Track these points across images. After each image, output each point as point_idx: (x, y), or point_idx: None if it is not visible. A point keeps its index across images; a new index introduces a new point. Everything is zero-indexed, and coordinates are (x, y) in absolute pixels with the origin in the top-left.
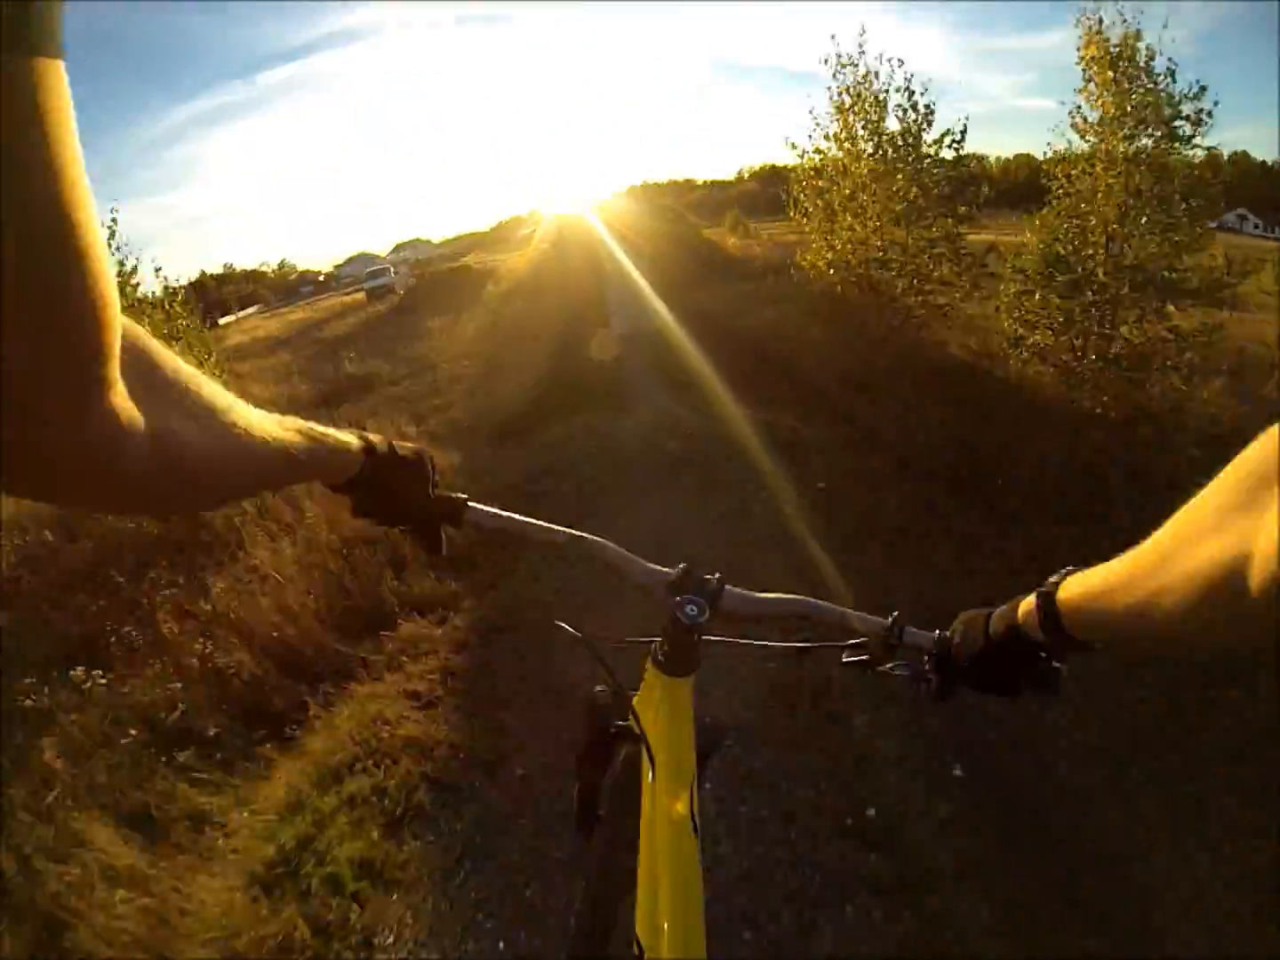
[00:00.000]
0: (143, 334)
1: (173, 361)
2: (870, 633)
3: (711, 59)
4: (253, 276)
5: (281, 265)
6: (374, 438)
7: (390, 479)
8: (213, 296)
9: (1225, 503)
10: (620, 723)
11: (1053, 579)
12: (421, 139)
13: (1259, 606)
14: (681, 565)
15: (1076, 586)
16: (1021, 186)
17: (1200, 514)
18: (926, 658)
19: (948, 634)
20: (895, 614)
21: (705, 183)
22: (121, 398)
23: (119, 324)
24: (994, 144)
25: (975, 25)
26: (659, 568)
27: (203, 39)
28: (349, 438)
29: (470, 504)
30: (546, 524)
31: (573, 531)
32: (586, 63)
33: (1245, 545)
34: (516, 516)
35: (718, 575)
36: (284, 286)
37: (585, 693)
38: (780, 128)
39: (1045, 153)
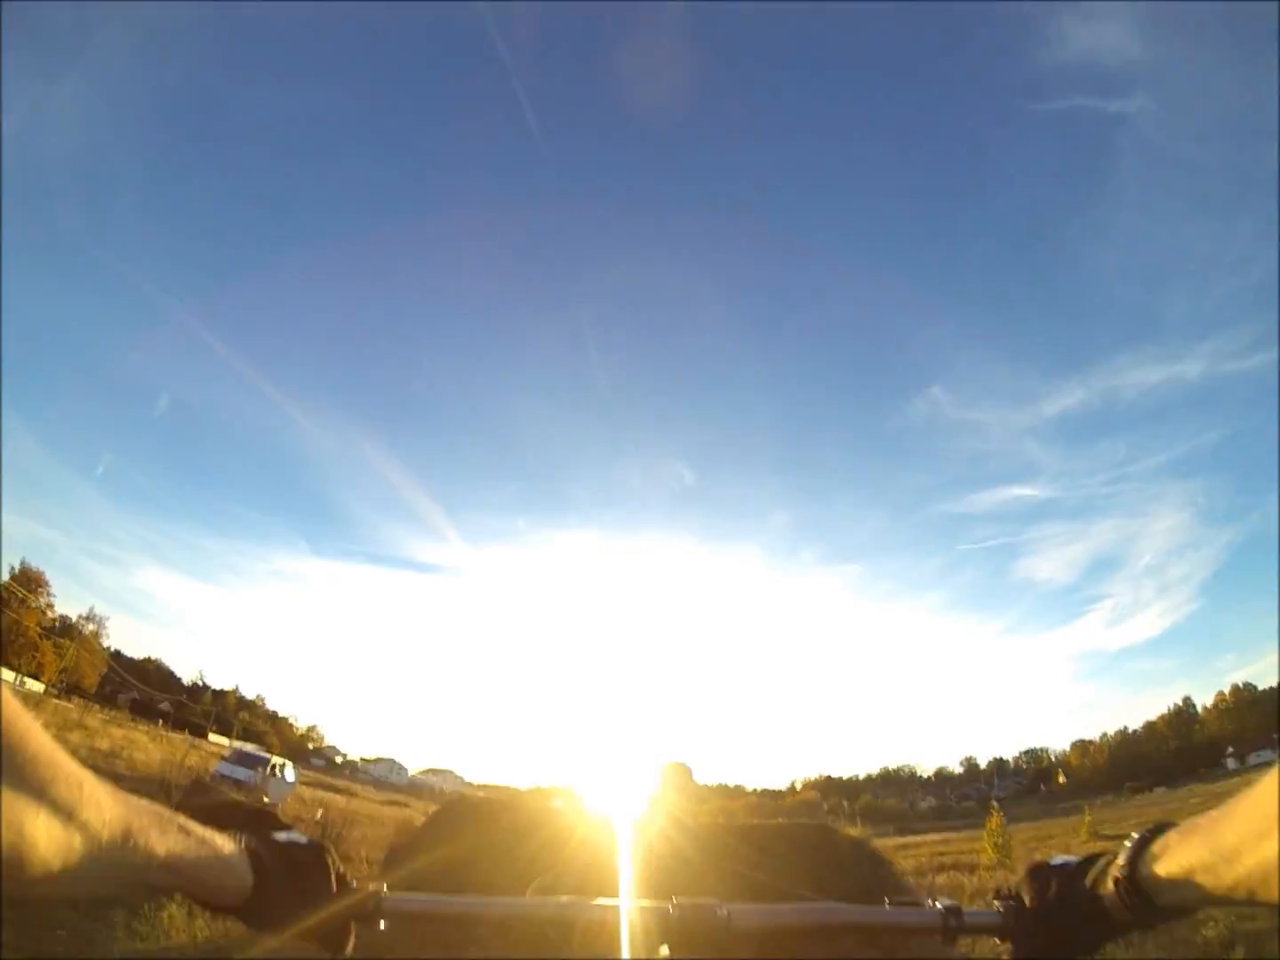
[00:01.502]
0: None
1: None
2: (920, 928)
3: (776, 667)
4: (277, 723)
5: (310, 729)
6: (262, 847)
7: (286, 887)
8: (229, 712)
9: None
10: None
11: (1128, 847)
12: (485, 682)
13: None
14: (673, 901)
15: (1172, 860)
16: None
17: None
18: (999, 940)
19: (1012, 903)
20: (946, 903)
21: (756, 790)
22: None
23: None
24: (1047, 737)
25: (1011, 629)
26: (650, 904)
27: (360, 520)
28: (235, 855)
29: (388, 894)
30: (503, 899)
31: (548, 899)
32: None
33: None
34: (458, 899)
35: (713, 901)
36: (296, 749)
37: None
38: (832, 740)
39: None
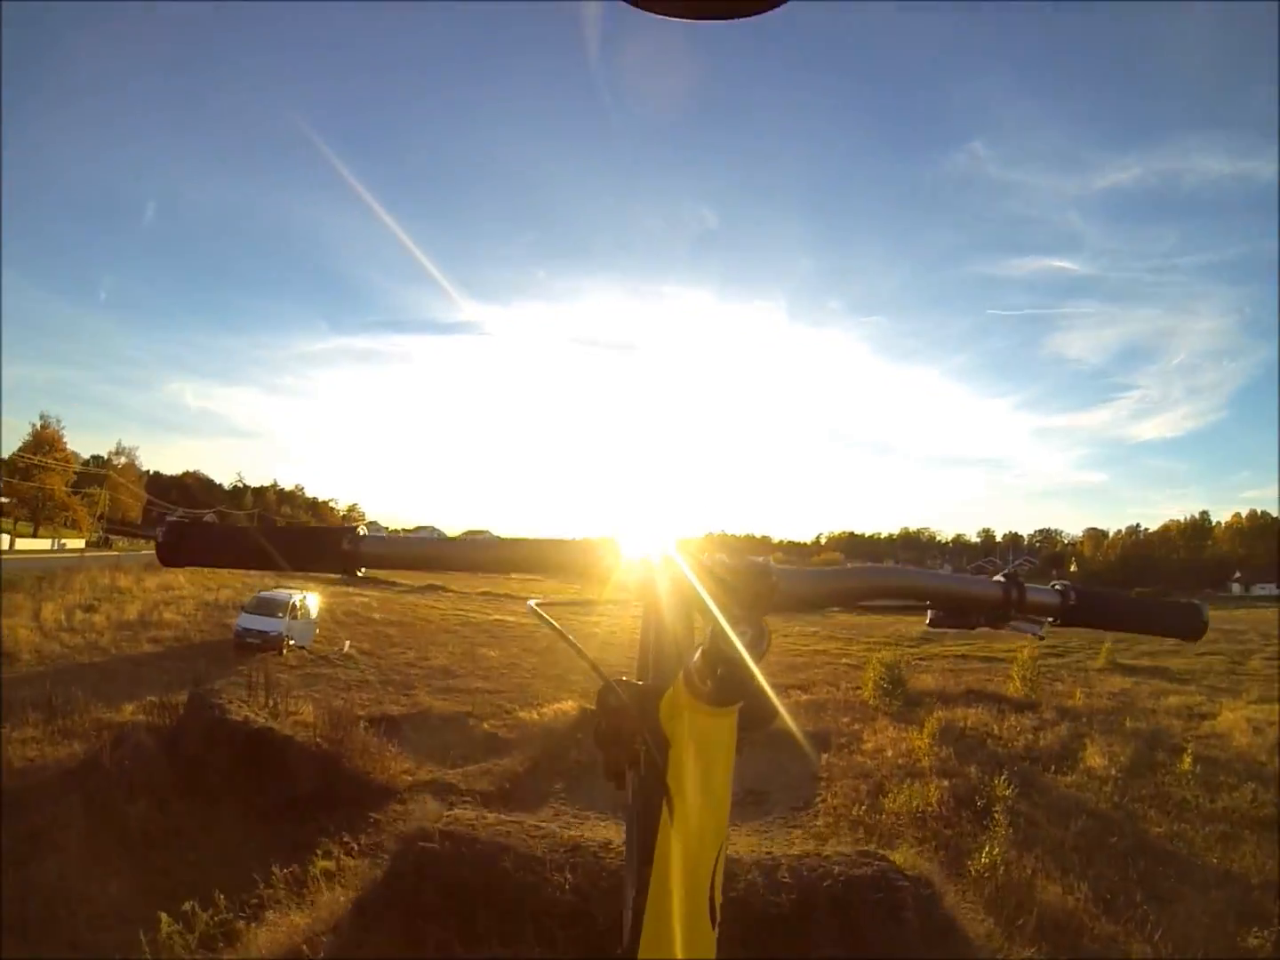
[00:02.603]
0: None
1: None
2: (979, 598)
3: (777, 418)
4: (316, 507)
5: (351, 509)
6: None
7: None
8: (270, 509)
9: None
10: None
11: None
12: (518, 436)
13: None
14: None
15: None
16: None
17: None
18: (1053, 619)
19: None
20: (1009, 569)
21: (782, 542)
22: None
23: None
24: (1058, 518)
25: (1033, 404)
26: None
27: (378, 289)
28: None
29: (367, 534)
30: (472, 540)
31: (522, 539)
32: (668, 405)
33: None
34: (436, 539)
35: (762, 559)
36: None
37: (602, 685)
38: (852, 494)
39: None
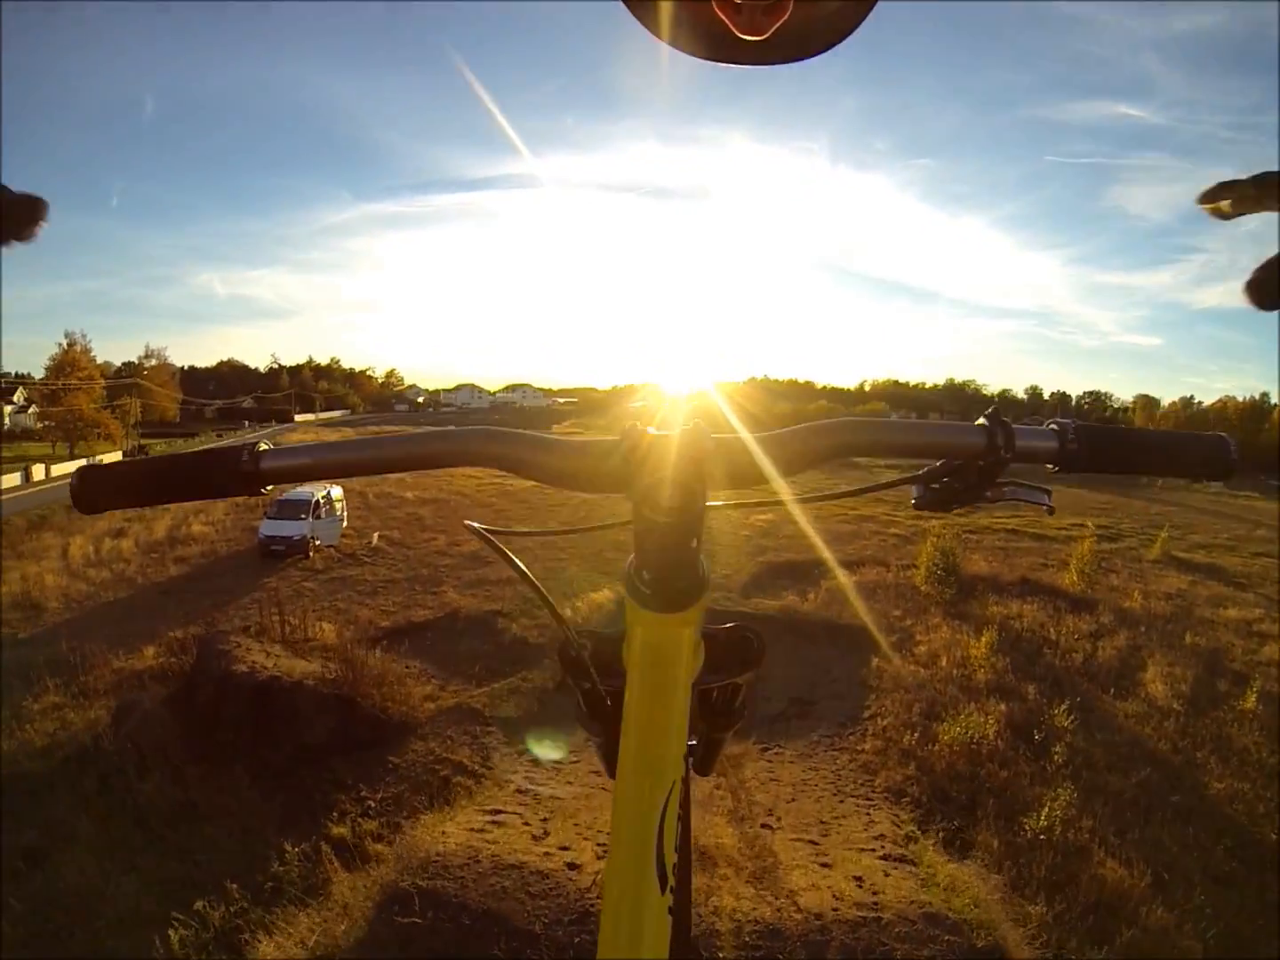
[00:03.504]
0: None
1: None
2: (957, 447)
3: (822, 262)
4: (355, 378)
5: (389, 375)
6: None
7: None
8: (308, 387)
9: None
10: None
11: None
12: (554, 288)
13: None
14: (629, 428)
15: None
16: None
17: None
18: (1051, 465)
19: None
20: (989, 413)
21: (825, 388)
22: None
23: None
24: (1108, 380)
25: (1087, 259)
26: (603, 439)
27: (399, 152)
28: None
29: (267, 448)
30: (399, 437)
31: (451, 429)
32: (708, 248)
33: None
34: (341, 442)
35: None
36: (379, 398)
37: (558, 639)
38: (897, 340)
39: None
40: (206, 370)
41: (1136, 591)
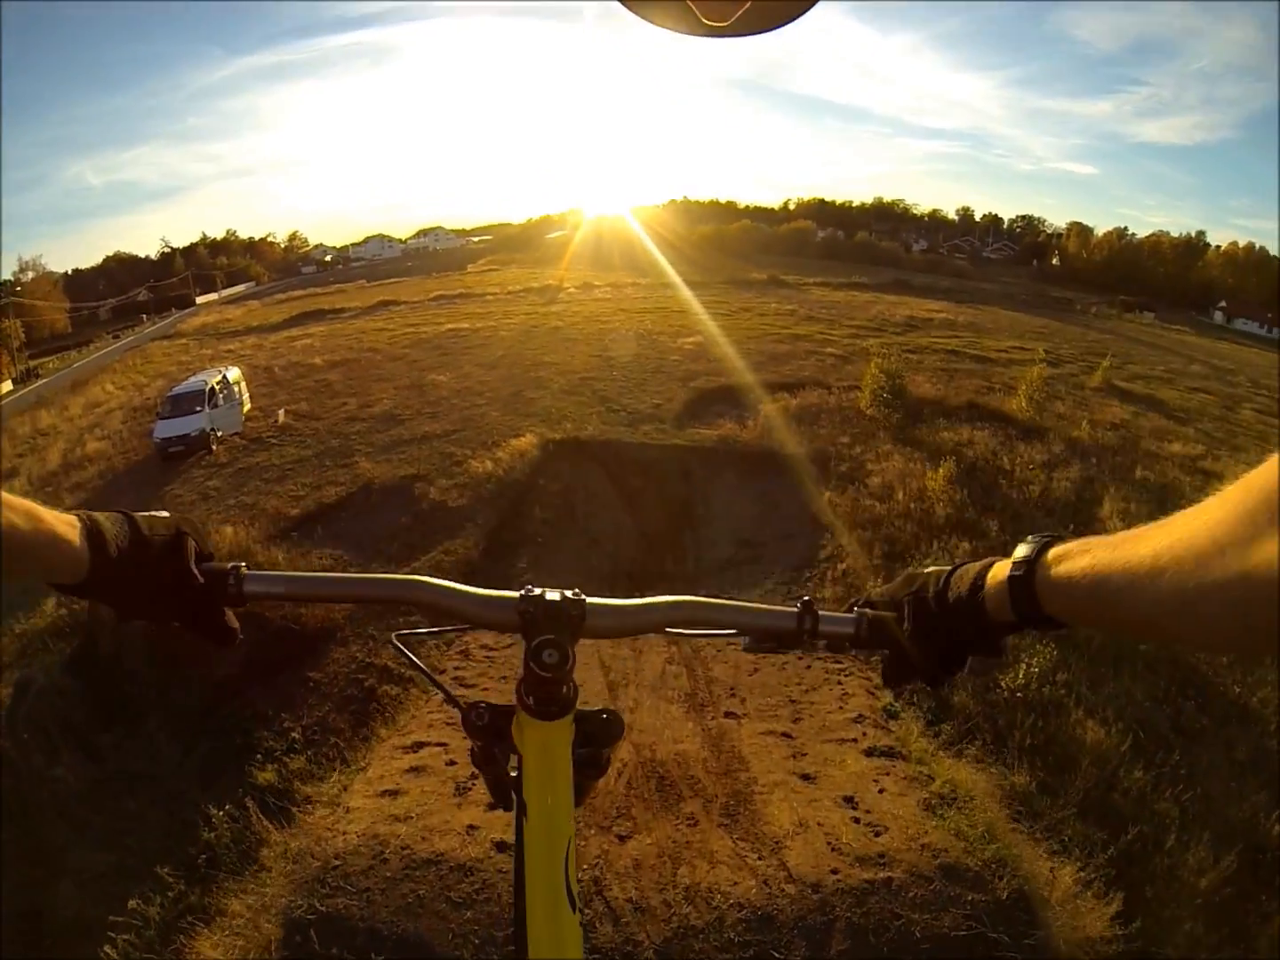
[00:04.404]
0: None
1: None
2: (776, 627)
3: (744, 81)
4: (255, 247)
5: (292, 238)
6: (106, 522)
7: (134, 573)
8: (205, 266)
9: (1232, 516)
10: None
11: (1024, 551)
12: (460, 125)
13: (1266, 622)
14: (524, 590)
15: (1060, 565)
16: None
17: (1205, 523)
18: (849, 645)
19: (872, 609)
20: (803, 599)
21: (749, 207)
22: None
23: None
24: (1040, 206)
25: (1025, 83)
26: (502, 594)
27: None
28: (69, 528)
29: (247, 571)
30: (355, 575)
31: (392, 576)
32: (623, 71)
33: (1258, 564)
34: (314, 574)
35: (574, 592)
36: (285, 265)
37: (466, 704)
38: (824, 160)
39: None
40: (93, 270)
41: (1084, 421)
